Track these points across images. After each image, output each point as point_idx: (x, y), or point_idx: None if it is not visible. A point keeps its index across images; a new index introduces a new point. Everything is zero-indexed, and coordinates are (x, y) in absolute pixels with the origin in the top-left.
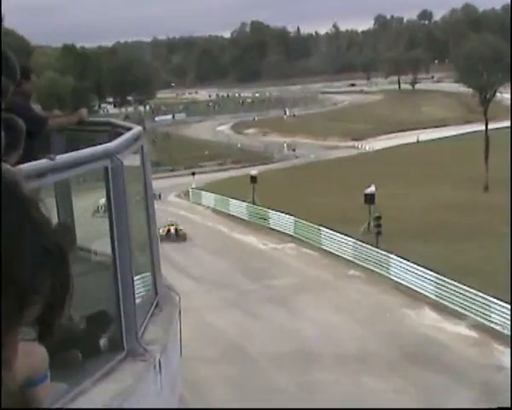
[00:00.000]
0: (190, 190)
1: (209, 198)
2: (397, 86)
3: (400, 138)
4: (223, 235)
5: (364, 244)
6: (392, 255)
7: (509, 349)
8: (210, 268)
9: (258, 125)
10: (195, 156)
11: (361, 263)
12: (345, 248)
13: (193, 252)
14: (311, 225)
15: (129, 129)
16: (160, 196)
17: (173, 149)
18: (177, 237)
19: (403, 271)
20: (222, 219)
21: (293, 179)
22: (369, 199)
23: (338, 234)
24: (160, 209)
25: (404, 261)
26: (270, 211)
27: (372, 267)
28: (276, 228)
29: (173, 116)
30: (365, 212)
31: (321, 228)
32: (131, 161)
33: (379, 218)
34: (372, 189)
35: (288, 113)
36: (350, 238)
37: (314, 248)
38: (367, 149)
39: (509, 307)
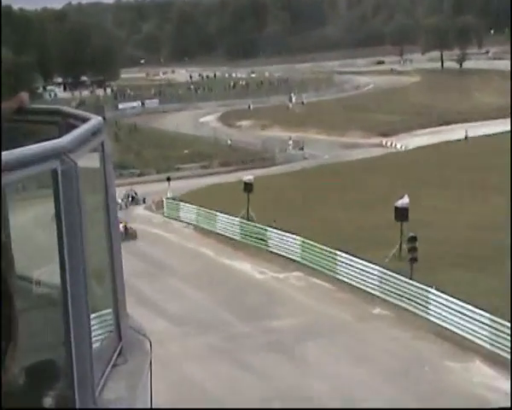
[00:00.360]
0: (165, 201)
1: (190, 212)
2: (439, 64)
3: (443, 134)
4: (207, 260)
5: (394, 274)
6: (431, 289)
7: None
8: (190, 304)
9: (255, 116)
10: (171, 156)
11: (390, 299)
12: (368, 280)
13: (168, 283)
14: (325, 248)
15: (85, 120)
16: (144, 201)
17: (142, 147)
18: (126, 235)
19: (445, 310)
20: (206, 239)
21: (300, 188)
22: (402, 214)
23: (359, 260)
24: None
25: (448, 297)
26: (269, 229)
27: (405, 305)
28: (278, 252)
29: (142, 103)
30: (396, 231)
31: (337, 252)
32: (88, 161)
33: (414, 239)
34: (405, 201)
35: (294, 99)
36: (375, 266)
37: (328, 279)
38: (398, 147)
39: None
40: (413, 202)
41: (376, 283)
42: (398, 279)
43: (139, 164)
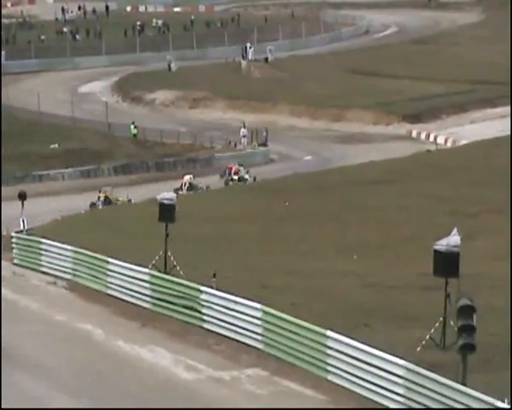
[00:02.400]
0: (13, 238)
1: (60, 257)
2: None
3: None
4: (92, 345)
5: (431, 375)
6: (503, 404)
7: None
8: None
9: (180, 84)
10: (28, 156)
11: None
12: (386, 383)
13: (18, 386)
14: (303, 324)
15: None
16: None
17: None
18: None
19: None
20: (91, 306)
21: (260, 216)
22: (446, 263)
23: (367, 348)
24: None
25: None
26: (205, 290)
27: None
28: (221, 331)
29: None
30: (435, 296)
31: (327, 333)
32: None
33: (470, 310)
34: (454, 239)
35: (251, 54)
36: (397, 360)
37: (312, 381)
38: (441, 142)
39: None
40: (469, 241)
41: (401, 391)
42: (438, 384)
43: None
